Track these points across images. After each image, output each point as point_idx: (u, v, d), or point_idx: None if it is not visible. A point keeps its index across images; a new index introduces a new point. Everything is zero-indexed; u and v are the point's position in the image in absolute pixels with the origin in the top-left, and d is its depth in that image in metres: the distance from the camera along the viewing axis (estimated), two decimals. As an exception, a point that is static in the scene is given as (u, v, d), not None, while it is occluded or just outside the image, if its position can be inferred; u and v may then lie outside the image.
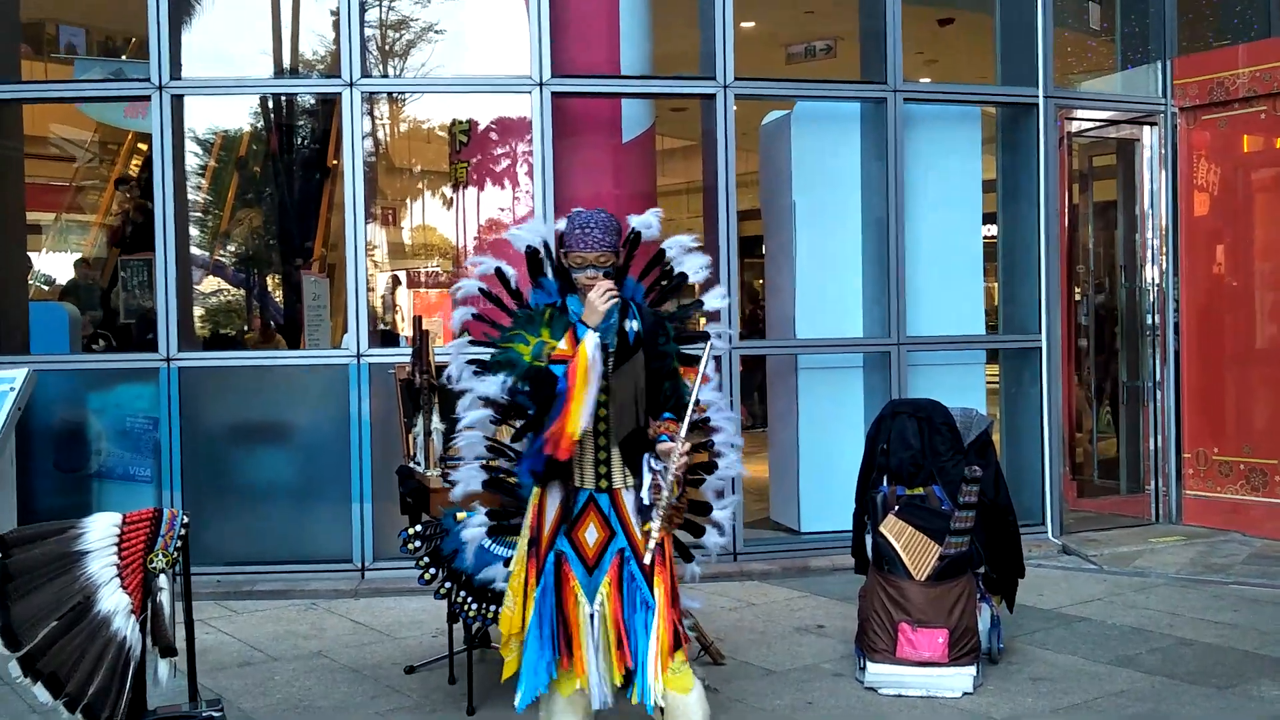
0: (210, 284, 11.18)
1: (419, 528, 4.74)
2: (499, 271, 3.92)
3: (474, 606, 4.66)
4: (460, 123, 8.01)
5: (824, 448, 7.68)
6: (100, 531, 3.65)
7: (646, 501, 3.66)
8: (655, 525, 3.63)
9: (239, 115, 11.16)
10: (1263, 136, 7.89)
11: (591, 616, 3.72)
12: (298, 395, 7.21)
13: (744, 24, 7.28)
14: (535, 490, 3.81)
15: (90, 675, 3.47)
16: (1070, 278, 8.62)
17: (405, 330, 11.47)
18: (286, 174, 10.99)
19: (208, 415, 7.07)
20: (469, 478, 4.06)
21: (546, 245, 3.84)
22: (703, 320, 5.04)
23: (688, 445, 3.65)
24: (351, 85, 6.97)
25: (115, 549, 3.62)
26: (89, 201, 11.87)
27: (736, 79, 7.18)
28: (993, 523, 5.31)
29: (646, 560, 3.65)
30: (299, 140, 11.22)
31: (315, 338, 9.05)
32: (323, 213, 10.64)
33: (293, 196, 10.84)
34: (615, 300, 3.63)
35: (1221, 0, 9.52)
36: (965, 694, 4.91)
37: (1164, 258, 8.33)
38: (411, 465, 5.19)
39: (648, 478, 3.67)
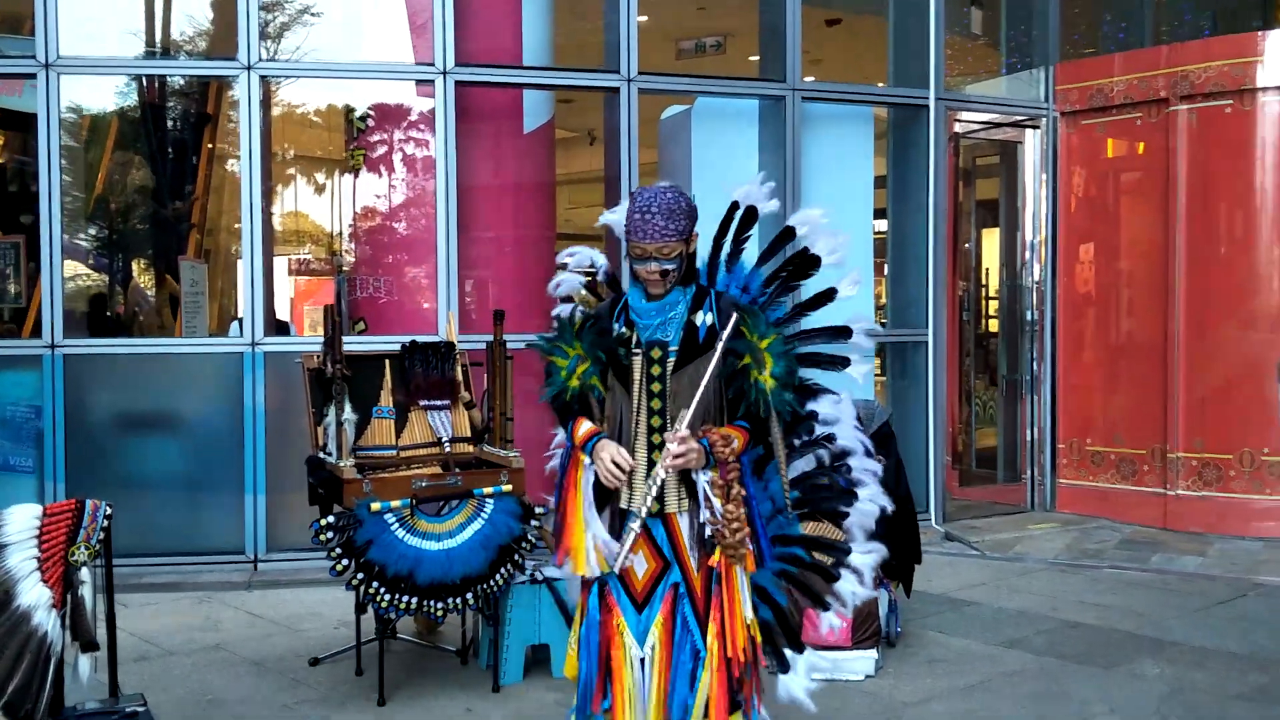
0: (71, 268, 10.74)
1: (331, 519, 4.69)
2: (592, 262, 3.60)
3: (387, 597, 4.63)
4: (359, 109, 7.91)
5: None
6: (20, 524, 3.54)
7: (705, 528, 3.13)
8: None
9: (106, 95, 10.75)
10: (1135, 142, 8.26)
11: (642, 661, 3.21)
12: (189, 384, 7.05)
13: (638, 18, 7.33)
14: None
15: (10, 672, 3.36)
16: (955, 274, 8.91)
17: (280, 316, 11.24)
18: (161, 156, 10.62)
19: (94, 404, 6.87)
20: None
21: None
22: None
23: (677, 438, 3.06)
24: (250, 68, 6.83)
25: (35, 541, 3.51)
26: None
27: (640, 73, 7.26)
28: (893, 511, 5.47)
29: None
30: (173, 122, 10.87)
31: (192, 325, 8.80)
32: (198, 195, 10.33)
33: (167, 179, 10.50)
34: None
35: (1100, 8, 9.90)
36: (868, 676, 5.07)
37: (1043, 255, 8.66)
38: (322, 455, 5.12)
39: (703, 500, 3.12)
